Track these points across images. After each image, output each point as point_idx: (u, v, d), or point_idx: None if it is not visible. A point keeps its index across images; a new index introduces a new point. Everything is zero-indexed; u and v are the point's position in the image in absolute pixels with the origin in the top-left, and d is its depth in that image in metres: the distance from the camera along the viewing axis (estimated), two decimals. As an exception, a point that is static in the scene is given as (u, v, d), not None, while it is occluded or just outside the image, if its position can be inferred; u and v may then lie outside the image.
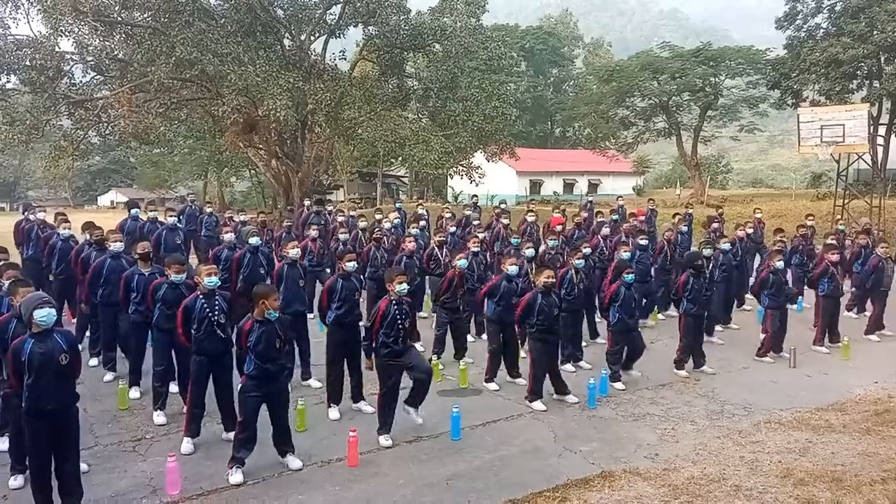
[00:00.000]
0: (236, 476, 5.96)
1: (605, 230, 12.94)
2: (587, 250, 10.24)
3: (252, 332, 6.06)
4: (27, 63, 20.87)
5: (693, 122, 39.11)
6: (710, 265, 10.83)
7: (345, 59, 27.65)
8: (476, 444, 6.90)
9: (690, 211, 17.65)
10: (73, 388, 5.34)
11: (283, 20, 24.45)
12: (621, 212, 16.59)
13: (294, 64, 23.32)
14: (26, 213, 12.27)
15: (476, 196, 19.63)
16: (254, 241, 9.80)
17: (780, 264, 10.16)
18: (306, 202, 18.12)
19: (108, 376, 8.65)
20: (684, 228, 13.85)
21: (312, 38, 25.48)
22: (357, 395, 7.80)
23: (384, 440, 6.82)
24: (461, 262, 9.60)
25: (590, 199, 20.59)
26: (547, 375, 8.05)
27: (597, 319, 10.66)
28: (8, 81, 22.32)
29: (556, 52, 62.56)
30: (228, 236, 10.51)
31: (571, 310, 9.19)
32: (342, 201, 40.87)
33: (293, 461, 6.26)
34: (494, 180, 36.71)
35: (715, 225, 14.92)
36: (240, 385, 6.20)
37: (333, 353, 7.71)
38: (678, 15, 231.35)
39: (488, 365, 8.80)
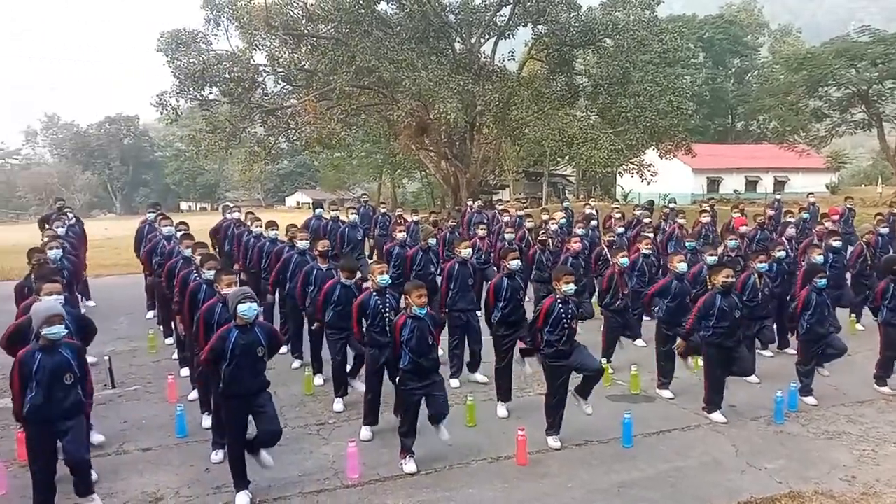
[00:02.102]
0: (410, 465, 6.18)
1: (791, 231, 11.92)
2: (781, 254, 9.51)
3: (405, 327, 6.25)
4: (226, 76, 23.03)
5: (897, 113, 35.03)
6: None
7: (513, 59, 27.77)
8: (649, 452, 6.65)
9: (895, 210, 15.77)
10: (263, 376, 5.79)
11: (454, 25, 25.02)
12: (812, 211, 15.21)
13: (464, 67, 23.78)
14: (224, 213, 13.64)
15: (652, 200, 18.91)
16: (432, 241, 10.16)
17: None
18: (469, 202, 18.41)
19: (296, 363, 9.33)
20: (884, 230, 12.35)
21: (482, 40, 25.84)
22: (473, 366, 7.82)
23: (553, 442, 6.75)
24: (622, 259, 9.30)
25: (777, 197, 19.07)
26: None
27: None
28: (210, 93, 24.73)
29: (737, 41, 58.63)
30: (401, 235, 10.93)
31: (754, 317, 8.56)
32: (507, 201, 41.13)
33: (443, 432, 6.34)
34: (668, 178, 35.10)
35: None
36: (398, 379, 6.42)
37: (501, 352, 7.76)
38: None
39: (660, 371, 8.43)
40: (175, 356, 9.45)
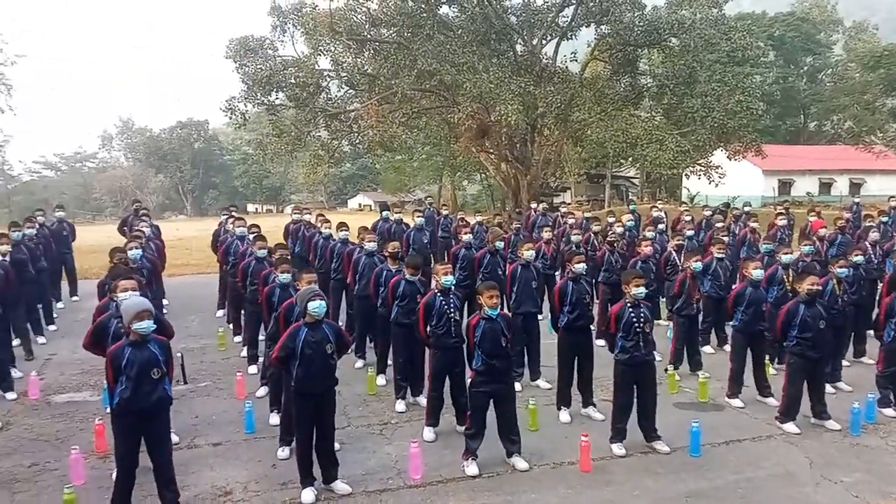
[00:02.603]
0: (472, 468, 6.18)
1: (875, 235, 11.40)
2: (858, 258, 9.11)
3: (478, 328, 6.25)
4: (292, 81, 23.52)
5: None
6: None
7: (576, 60, 27.47)
8: (718, 462, 6.46)
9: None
10: (334, 374, 5.89)
11: (515, 27, 24.93)
12: (894, 215, 14.52)
13: (525, 68, 23.65)
14: (294, 215, 13.96)
15: (728, 202, 18.40)
16: (499, 244, 10.16)
17: None
18: (533, 205, 18.30)
19: (359, 363, 9.45)
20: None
21: (544, 41, 25.66)
22: (587, 401, 7.70)
23: (617, 449, 6.64)
24: (695, 264, 9.07)
25: (856, 199, 18.26)
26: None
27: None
28: (277, 98, 25.32)
29: (810, 38, 56.46)
30: (467, 237, 10.95)
31: (833, 326, 8.21)
32: (569, 203, 40.67)
33: (519, 462, 6.31)
34: (736, 180, 34.10)
35: None
36: (469, 380, 6.41)
37: (565, 357, 7.68)
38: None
39: (731, 379, 8.18)
40: (243, 354, 9.71)
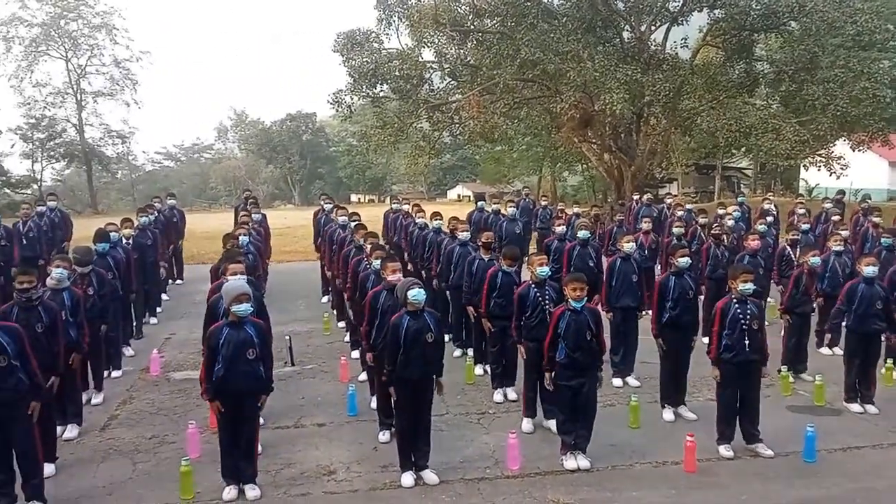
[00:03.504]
0: (570, 462, 6.10)
1: None
2: None
3: (562, 319, 6.14)
4: (396, 73, 23.90)
5: None
6: None
7: (686, 46, 26.37)
8: (834, 469, 6.11)
9: None
10: (433, 361, 5.97)
11: (623, 13, 24.22)
12: None
13: (632, 56, 22.95)
14: (392, 205, 14.26)
15: (842, 191, 17.27)
16: (582, 234, 9.92)
17: None
18: (637, 196, 17.80)
19: (457, 352, 9.53)
20: None
21: (653, 28, 24.79)
22: (680, 400, 7.44)
23: (725, 450, 6.38)
24: (813, 259, 8.55)
25: None
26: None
27: None
28: (381, 90, 25.81)
29: (948, 18, 51.87)
30: (560, 228, 10.80)
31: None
32: (675, 195, 39.24)
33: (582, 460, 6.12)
34: (860, 172, 31.82)
35: None
36: (555, 372, 6.32)
37: (666, 354, 7.45)
38: None
39: (847, 382, 7.67)
40: (347, 339, 10.01)
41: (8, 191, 51.13)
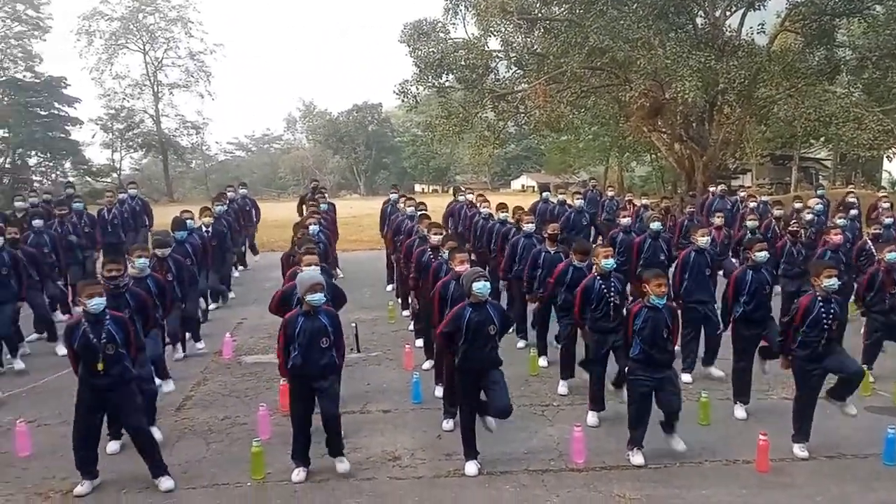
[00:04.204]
0: (637, 458, 6.02)
1: None
2: None
3: (639, 316, 6.02)
4: (462, 63, 23.87)
5: None
6: None
7: (763, 32, 25.36)
8: (918, 474, 5.80)
9: None
10: (496, 353, 5.96)
11: (696, -2, 23.54)
12: None
13: (706, 42, 22.23)
14: (456, 195, 14.28)
15: None
16: (655, 226, 9.70)
17: None
18: (711, 188, 17.28)
19: (521, 343, 9.50)
20: None
21: (727, 13, 23.98)
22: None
23: (799, 450, 6.17)
24: (890, 255, 8.13)
25: None
26: None
27: None
28: (447, 80, 25.84)
29: None
30: (625, 220, 10.58)
31: None
32: (749, 186, 37.95)
33: (677, 442, 6.06)
34: (949, 163, 30.04)
35: None
36: (627, 369, 6.22)
37: (740, 350, 7.23)
38: None
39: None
40: (411, 328, 10.10)
41: (89, 179, 53.59)
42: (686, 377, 8.09)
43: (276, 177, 78.48)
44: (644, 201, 14.74)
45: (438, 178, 74.41)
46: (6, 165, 50.96)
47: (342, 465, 5.89)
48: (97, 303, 5.54)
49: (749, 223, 11.11)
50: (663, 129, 26.04)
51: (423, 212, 10.77)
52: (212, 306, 11.64)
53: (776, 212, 12.45)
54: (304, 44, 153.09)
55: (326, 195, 15.72)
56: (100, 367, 5.51)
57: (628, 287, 8.71)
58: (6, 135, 50.59)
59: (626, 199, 15.33)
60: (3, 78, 51.11)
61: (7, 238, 8.95)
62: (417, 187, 70.53)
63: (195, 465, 6.17)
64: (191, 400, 7.82)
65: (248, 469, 5.89)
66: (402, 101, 25.56)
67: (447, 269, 7.24)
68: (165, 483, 5.66)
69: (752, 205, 13.36)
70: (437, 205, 19.38)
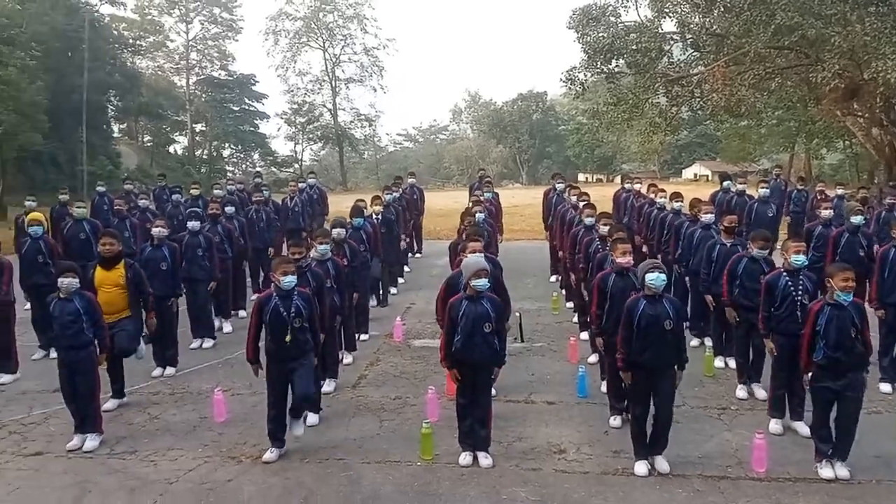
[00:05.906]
0: (826, 471, 5.52)
1: None
2: None
3: (821, 314, 5.49)
4: (633, 47, 23.05)
5: None
6: None
7: None
8: None
9: None
10: (674, 351, 5.70)
11: (904, -35, 20.98)
12: None
13: (914, 15, 19.82)
14: (624, 184, 13.84)
15: None
16: (856, 220, 8.78)
17: None
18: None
19: (695, 342, 9.00)
20: None
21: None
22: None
23: None
24: None
25: None
26: None
27: None
28: (616, 66, 25.06)
29: None
30: (826, 213, 9.66)
31: None
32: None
33: (840, 470, 5.49)
34: None
35: None
36: (810, 374, 5.69)
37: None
38: None
39: None
40: (575, 319, 9.96)
41: (274, 169, 58.19)
42: (885, 387, 7.30)
43: (441, 166, 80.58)
44: (839, 191, 13.43)
45: (603, 168, 72.70)
46: (204, 156, 56.64)
47: (486, 461, 5.92)
48: (290, 280, 6.05)
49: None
50: (860, 113, 23.61)
51: (587, 201, 10.51)
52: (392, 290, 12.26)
53: None
54: (471, 35, 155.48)
55: (492, 185, 15.85)
56: (287, 339, 5.96)
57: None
58: (204, 128, 56.15)
59: (819, 188, 14.04)
60: (202, 77, 56.76)
61: (209, 214, 10.19)
62: (581, 176, 69.39)
63: (369, 440, 6.49)
64: (365, 379, 8.23)
65: (417, 449, 6.10)
66: (569, 88, 25.22)
67: (611, 260, 7.05)
68: (297, 430, 6.22)
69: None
70: (600, 194, 18.95)
